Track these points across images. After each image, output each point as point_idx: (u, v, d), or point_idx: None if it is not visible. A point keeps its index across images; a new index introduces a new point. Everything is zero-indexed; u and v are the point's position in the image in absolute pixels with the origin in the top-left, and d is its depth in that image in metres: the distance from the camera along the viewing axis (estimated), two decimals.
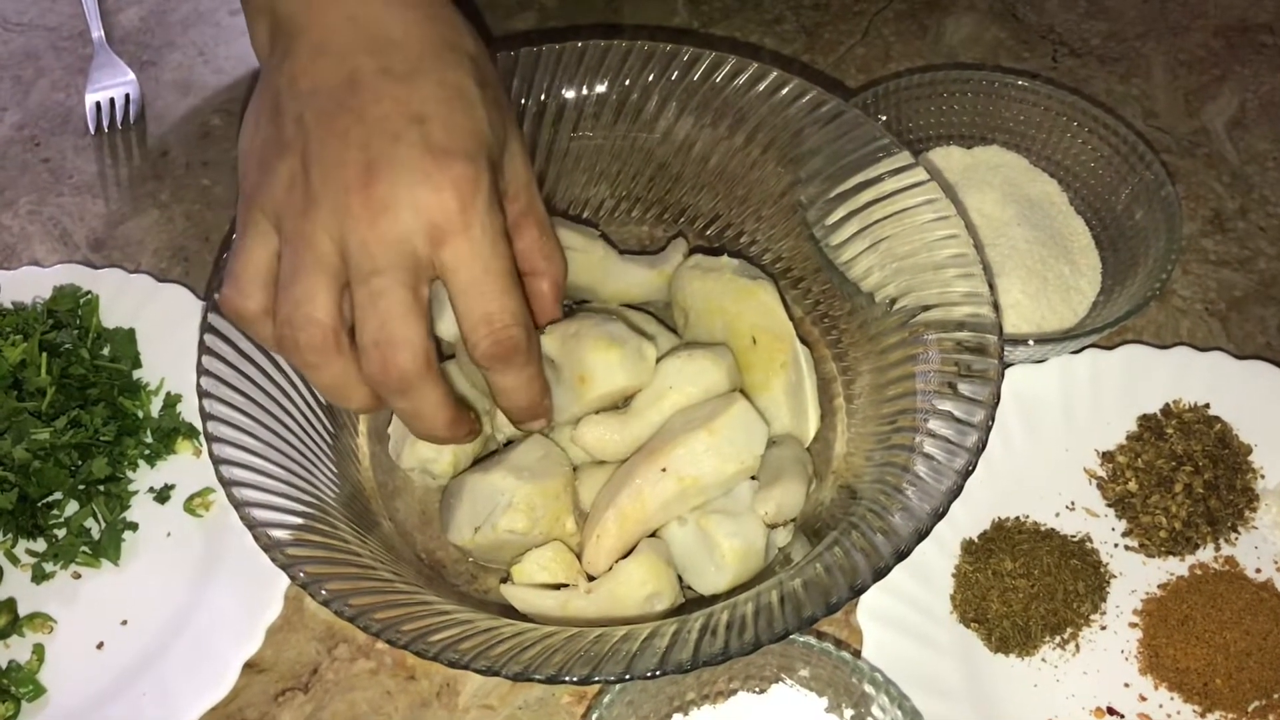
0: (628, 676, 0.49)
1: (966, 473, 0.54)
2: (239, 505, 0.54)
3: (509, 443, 0.66)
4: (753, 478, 0.62)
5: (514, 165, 0.57)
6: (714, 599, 0.59)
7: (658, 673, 0.49)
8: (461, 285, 0.51)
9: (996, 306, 0.59)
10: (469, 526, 0.61)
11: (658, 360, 0.64)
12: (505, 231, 0.53)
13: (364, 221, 0.49)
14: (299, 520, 0.55)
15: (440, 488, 0.66)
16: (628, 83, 0.70)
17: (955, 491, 0.54)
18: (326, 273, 0.50)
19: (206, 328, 0.59)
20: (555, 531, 0.62)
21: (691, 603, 0.61)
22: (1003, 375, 0.58)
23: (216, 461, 0.55)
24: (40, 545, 0.68)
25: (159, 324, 0.76)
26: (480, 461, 0.65)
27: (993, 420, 0.56)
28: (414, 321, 0.50)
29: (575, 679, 0.49)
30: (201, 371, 0.58)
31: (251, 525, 0.53)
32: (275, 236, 0.52)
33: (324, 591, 0.51)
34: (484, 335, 0.52)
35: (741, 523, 0.60)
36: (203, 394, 0.57)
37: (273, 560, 0.53)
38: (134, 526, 0.69)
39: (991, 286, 0.60)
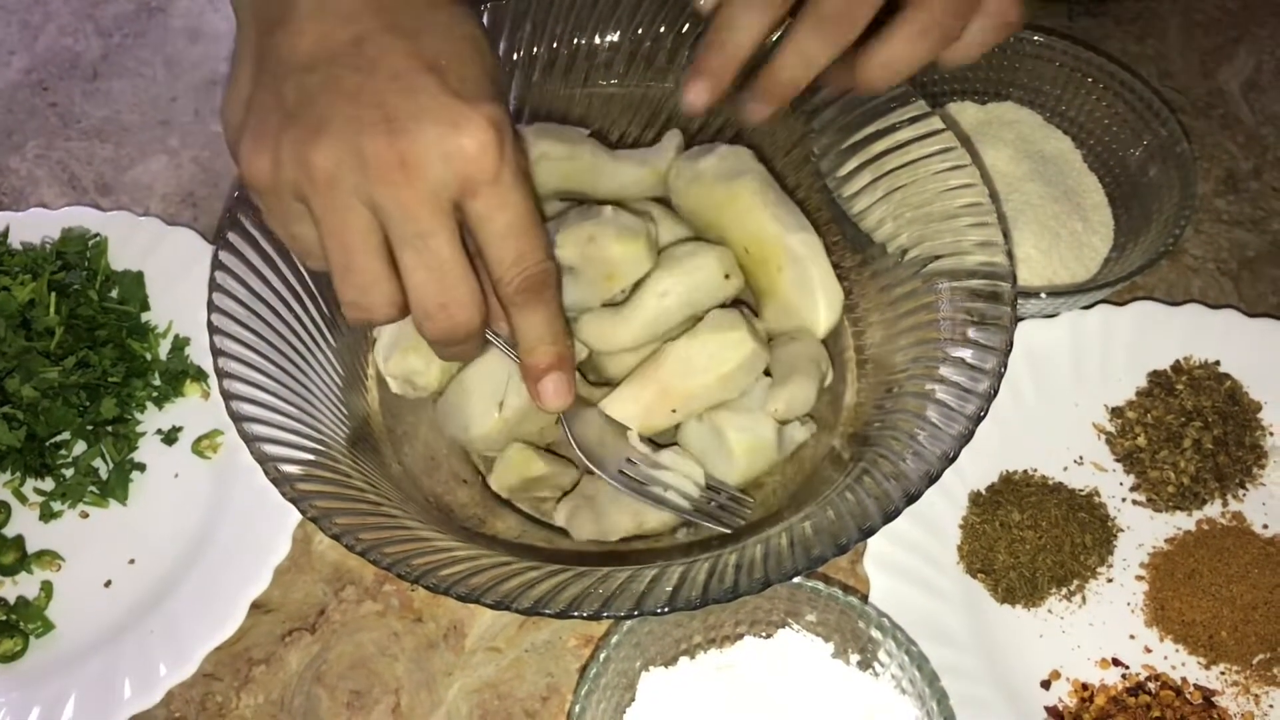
0: (636, 613, 0.49)
1: (978, 418, 0.54)
2: (249, 440, 0.54)
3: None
4: (766, 373, 0.62)
5: None
6: (723, 542, 0.59)
7: (666, 609, 0.49)
8: (496, 232, 0.50)
9: (1010, 254, 0.59)
10: (491, 407, 0.61)
11: (660, 251, 0.63)
12: (527, 171, 0.53)
13: (398, 182, 0.47)
14: (309, 457, 0.55)
15: (419, 399, 0.65)
16: (640, 31, 0.69)
17: (966, 437, 0.54)
18: (374, 243, 0.49)
19: (217, 264, 0.58)
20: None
21: (697, 545, 0.61)
22: (1015, 323, 0.57)
23: (227, 397, 0.55)
24: (48, 484, 0.68)
25: (168, 267, 0.75)
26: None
27: (1005, 367, 0.55)
28: (471, 278, 0.51)
29: (585, 614, 0.49)
30: (212, 308, 0.57)
31: (262, 460, 0.53)
32: (304, 208, 0.50)
33: (335, 525, 0.51)
34: (517, 274, 0.51)
35: (752, 418, 0.61)
36: (213, 330, 0.57)
37: (283, 495, 0.52)
38: (142, 467, 0.69)
39: (1006, 235, 0.59)
